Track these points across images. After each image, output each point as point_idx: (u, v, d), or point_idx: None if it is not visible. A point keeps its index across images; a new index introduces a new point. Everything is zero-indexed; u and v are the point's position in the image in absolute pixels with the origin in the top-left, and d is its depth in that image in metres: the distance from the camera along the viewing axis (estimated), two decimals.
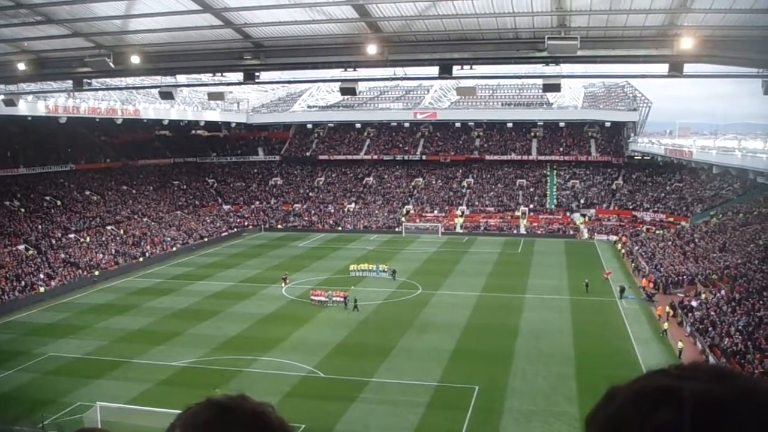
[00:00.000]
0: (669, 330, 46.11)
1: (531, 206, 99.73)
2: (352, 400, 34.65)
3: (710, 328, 43.99)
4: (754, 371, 35.72)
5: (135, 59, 33.97)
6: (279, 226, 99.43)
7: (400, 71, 48.52)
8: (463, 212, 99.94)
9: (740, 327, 42.35)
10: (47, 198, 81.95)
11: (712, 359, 39.85)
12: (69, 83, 47.51)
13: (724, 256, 61.05)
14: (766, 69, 34.23)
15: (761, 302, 45.29)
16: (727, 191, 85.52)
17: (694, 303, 50.54)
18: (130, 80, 58.88)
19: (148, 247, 78.30)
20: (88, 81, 43.46)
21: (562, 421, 31.75)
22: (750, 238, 63.24)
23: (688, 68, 33.12)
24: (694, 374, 1.15)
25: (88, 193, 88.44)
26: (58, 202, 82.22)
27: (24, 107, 68.63)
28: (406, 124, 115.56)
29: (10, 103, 48.19)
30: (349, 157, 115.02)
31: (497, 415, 32.64)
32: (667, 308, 49.70)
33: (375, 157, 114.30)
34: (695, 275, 58.45)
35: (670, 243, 73.31)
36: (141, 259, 74.51)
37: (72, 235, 75.05)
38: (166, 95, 51.81)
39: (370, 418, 32.54)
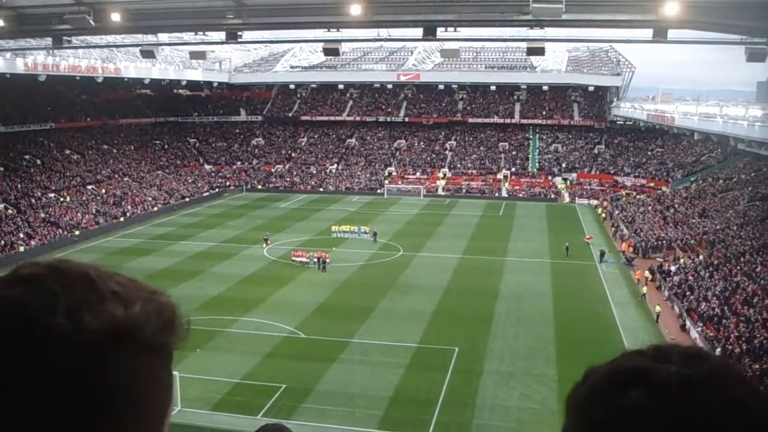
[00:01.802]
0: (647, 294, 46.55)
1: (513, 169, 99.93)
2: (333, 360, 34.85)
3: (688, 293, 44.47)
4: (729, 335, 36.20)
5: (116, 17, 33.60)
6: (260, 187, 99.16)
7: (383, 32, 48.28)
8: (445, 175, 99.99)
9: (717, 292, 42.86)
10: (27, 157, 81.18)
11: (689, 323, 40.37)
12: (48, 40, 46.98)
13: (703, 221, 61.57)
14: (749, 36, 34.32)
15: (738, 268, 45.81)
16: (707, 158, 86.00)
17: (672, 268, 51.03)
18: (110, 38, 58.21)
19: (129, 207, 77.92)
20: (68, 38, 43.01)
21: (541, 382, 32.10)
22: (729, 204, 63.77)
23: (671, 34, 33.17)
24: (668, 356, 1.15)
25: (68, 152, 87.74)
26: (38, 161, 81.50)
27: (2, 64, 67.86)
28: (389, 86, 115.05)
29: None
30: (332, 118, 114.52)
31: (477, 377, 32.95)
32: (646, 273, 50.12)
33: (358, 118, 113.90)
34: (674, 240, 58.92)
35: (650, 208, 73.81)
36: (122, 219, 74.15)
37: (52, 195, 74.55)
38: (148, 54, 51.41)
39: (351, 378, 32.76)
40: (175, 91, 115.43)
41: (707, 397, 1.07)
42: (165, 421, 1.22)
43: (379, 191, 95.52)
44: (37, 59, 71.63)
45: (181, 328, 1.24)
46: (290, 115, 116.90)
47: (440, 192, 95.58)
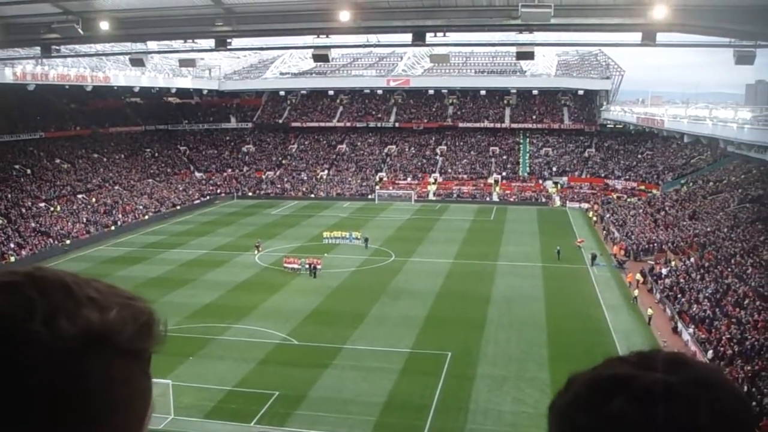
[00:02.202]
0: (639, 297, 46.63)
1: (504, 174, 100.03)
2: (326, 366, 34.80)
3: (679, 295, 44.60)
4: (721, 337, 36.29)
5: (104, 25, 33.55)
6: (251, 194, 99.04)
7: (373, 38, 48.35)
8: (436, 179, 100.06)
9: (708, 294, 42.99)
10: (16, 167, 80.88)
11: (680, 325, 40.46)
12: (37, 50, 46.86)
13: (694, 224, 61.76)
14: (737, 39, 34.47)
15: (729, 270, 45.96)
16: (697, 160, 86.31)
17: (663, 270, 51.14)
18: (99, 47, 58.09)
19: (120, 216, 77.72)
20: (57, 48, 42.92)
21: (534, 386, 32.12)
22: (719, 206, 63.99)
23: (660, 37, 33.29)
24: (651, 363, 1.15)
25: (58, 161, 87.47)
26: (28, 171, 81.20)
27: None
28: (379, 92, 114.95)
29: None
30: (322, 124, 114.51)
31: (470, 381, 32.96)
32: (638, 275, 50.23)
33: (348, 124, 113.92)
34: (665, 243, 59.07)
35: (641, 211, 74.02)
36: (113, 227, 73.93)
37: (42, 204, 74.29)
38: (137, 62, 51.38)
39: (344, 384, 32.72)
40: (164, 99, 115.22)
41: (690, 405, 1.07)
42: (144, 425, 1.23)
43: (370, 197, 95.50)
44: (26, 69, 71.43)
45: (158, 333, 1.24)
46: (280, 121, 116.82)
47: (431, 197, 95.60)
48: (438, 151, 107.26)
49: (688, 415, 1.06)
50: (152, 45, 62.86)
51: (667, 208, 70.69)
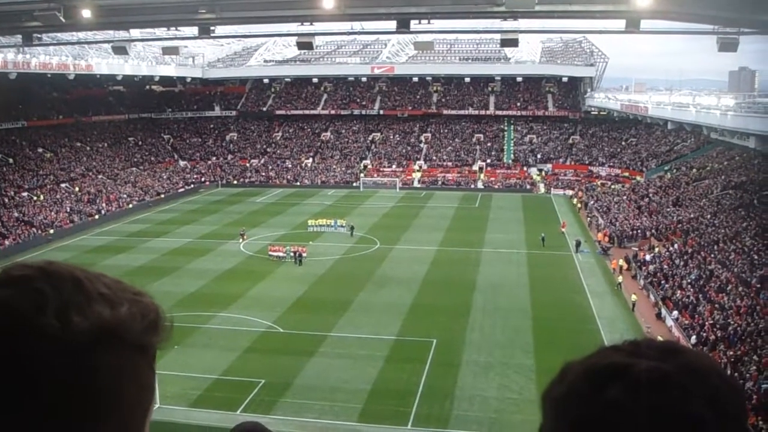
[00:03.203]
0: (623, 283, 46.88)
1: (488, 161, 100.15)
2: (311, 354, 34.86)
3: (663, 282, 44.84)
4: (704, 323, 36.55)
5: (86, 13, 33.29)
6: (236, 182, 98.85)
7: (357, 25, 48.22)
8: (420, 167, 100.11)
9: (692, 280, 43.25)
10: None
11: (664, 311, 40.71)
12: (18, 38, 46.48)
13: (678, 210, 62.05)
14: (720, 26, 34.59)
15: (712, 256, 46.24)
16: (681, 147, 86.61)
17: (647, 257, 51.41)
18: (82, 35, 57.74)
19: (104, 205, 77.38)
20: (38, 36, 42.58)
21: (519, 372, 32.28)
22: (703, 192, 64.30)
23: (644, 24, 33.36)
24: (645, 351, 1.16)
25: (40, 150, 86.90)
26: (10, 160, 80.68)
27: None
28: (364, 79, 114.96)
29: None
30: (307, 112, 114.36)
31: (455, 368, 33.08)
32: (621, 262, 50.45)
33: (332, 112, 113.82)
34: (649, 229, 59.34)
35: (625, 197, 74.33)
36: (97, 216, 73.57)
37: (25, 194, 73.86)
38: (120, 50, 51.08)
39: (329, 371, 32.77)
40: (148, 87, 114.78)
41: (684, 392, 1.08)
42: (147, 418, 1.27)
43: (354, 184, 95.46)
44: (7, 57, 70.89)
45: (164, 329, 1.28)
46: (264, 109, 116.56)
47: (416, 184, 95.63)
48: (422, 138, 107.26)
49: (682, 402, 1.07)
50: (135, 33, 62.43)
51: (650, 195, 70.99)
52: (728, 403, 1.11)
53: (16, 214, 67.67)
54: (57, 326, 1.11)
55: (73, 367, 1.11)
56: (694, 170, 74.39)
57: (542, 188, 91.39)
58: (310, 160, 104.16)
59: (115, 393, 1.17)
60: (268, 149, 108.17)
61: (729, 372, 29.59)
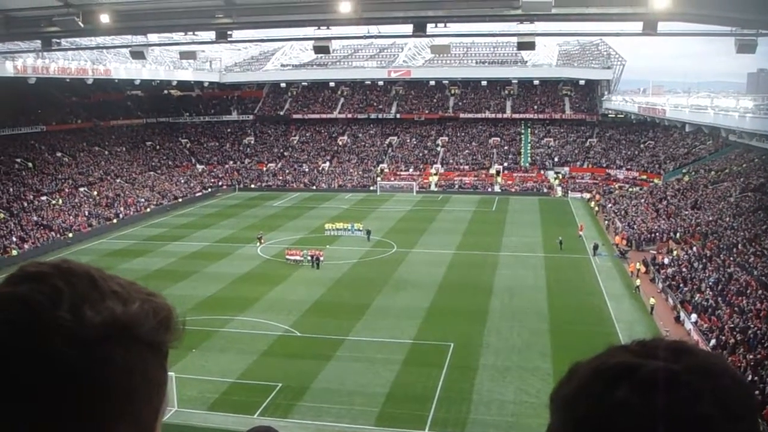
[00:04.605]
0: (641, 286, 46.67)
1: (505, 164, 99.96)
2: (328, 358, 34.86)
3: (681, 285, 44.60)
4: (724, 326, 36.32)
5: (104, 18, 33.46)
6: (253, 186, 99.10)
7: (373, 29, 48.25)
8: (437, 170, 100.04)
9: (711, 283, 42.99)
10: (18, 160, 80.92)
11: (683, 315, 40.49)
12: (37, 43, 46.80)
13: (696, 213, 61.73)
14: (738, 27, 34.37)
15: (731, 258, 45.95)
16: (699, 149, 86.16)
17: (666, 260, 51.17)
18: (100, 40, 58.00)
19: (122, 209, 77.78)
20: (57, 41, 42.85)
21: (537, 376, 32.17)
22: (721, 195, 63.94)
23: (661, 26, 33.20)
24: (653, 351, 1.16)
25: (59, 154, 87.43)
26: (30, 164, 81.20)
27: None
28: (380, 83, 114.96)
29: None
30: (323, 115, 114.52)
31: (472, 372, 33.01)
32: (638, 265, 50.22)
33: (349, 115, 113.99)
34: (667, 232, 59.06)
35: (642, 200, 73.99)
36: (115, 220, 74.00)
37: (44, 198, 74.32)
38: (138, 55, 51.23)
39: (346, 375, 32.77)
40: (165, 91, 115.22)
41: (693, 393, 1.08)
42: (159, 417, 1.27)
43: (371, 188, 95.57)
44: (26, 62, 71.33)
45: (177, 328, 1.29)
46: (281, 113, 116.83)
47: (433, 188, 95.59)
48: (439, 142, 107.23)
49: (691, 403, 1.07)
50: (153, 37, 62.64)
51: (669, 198, 70.65)
52: (737, 403, 1.10)
53: (35, 218, 68.13)
54: (70, 319, 1.14)
55: (86, 359, 1.13)
56: (713, 173, 73.97)
57: (559, 191, 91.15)
58: (327, 163, 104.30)
59: (126, 387, 1.18)
60: (285, 153, 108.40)
61: (749, 376, 29.39)
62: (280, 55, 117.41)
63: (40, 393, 1.11)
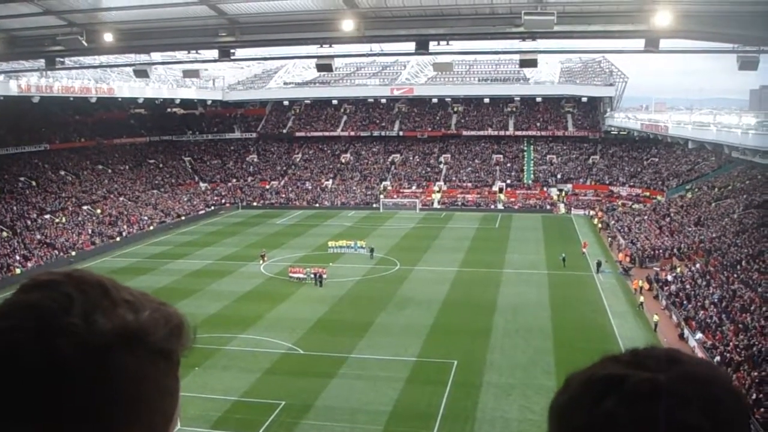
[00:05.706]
0: (645, 303, 46.56)
1: (508, 182, 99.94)
2: (332, 376, 34.76)
3: (685, 302, 44.47)
4: (728, 343, 36.18)
5: (108, 37, 33.63)
6: (256, 204, 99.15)
7: (376, 47, 48.41)
8: (440, 188, 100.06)
9: (715, 300, 42.85)
10: (22, 179, 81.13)
11: (687, 332, 40.35)
12: (41, 62, 47.00)
13: (699, 230, 61.61)
14: (740, 44, 34.44)
15: (735, 275, 45.82)
16: (702, 166, 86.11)
17: (669, 277, 51.04)
18: (103, 58, 58.17)
19: (125, 227, 77.85)
20: (61, 59, 43.03)
21: (541, 394, 32.00)
22: (724, 212, 63.83)
23: (663, 44, 33.26)
24: (644, 361, 1.17)
25: (63, 173, 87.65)
26: (33, 183, 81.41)
27: None
28: (383, 101, 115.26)
29: None
30: (326, 133, 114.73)
31: (476, 389, 32.89)
32: (641, 282, 50.10)
33: (352, 133, 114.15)
34: (671, 249, 58.95)
35: (646, 217, 73.91)
36: (118, 238, 74.05)
37: (47, 216, 74.41)
38: (141, 73, 51.42)
39: (350, 393, 32.67)
40: (168, 109, 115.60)
41: (681, 402, 1.08)
42: (171, 425, 1.28)
43: (374, 206, 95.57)
44: (30, 81, 71.60)
45: (188, 336, 1.31)
46: (284, 131, 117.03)
47: (436, 205, 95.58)
48: (442, 159, 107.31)
49: (679, 413, 1.07)
50: (156, 56, 62.94)
51: (672, 215, 70.57)
52: (726, 410, 1.10)
53: (38, 236, 68.20)
54: (81, 326, 1.16)
55: (96, 365, 1.14)
56: (716, 189, 73.91)
57: (562, 208, 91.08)
58: (330, 181, 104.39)
59: (135, 394, 1.19)
60: (288, 171, 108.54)
61: (753, 394, 29.24)
62: (283, 73, 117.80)
63: (51, 398, 1.11)
